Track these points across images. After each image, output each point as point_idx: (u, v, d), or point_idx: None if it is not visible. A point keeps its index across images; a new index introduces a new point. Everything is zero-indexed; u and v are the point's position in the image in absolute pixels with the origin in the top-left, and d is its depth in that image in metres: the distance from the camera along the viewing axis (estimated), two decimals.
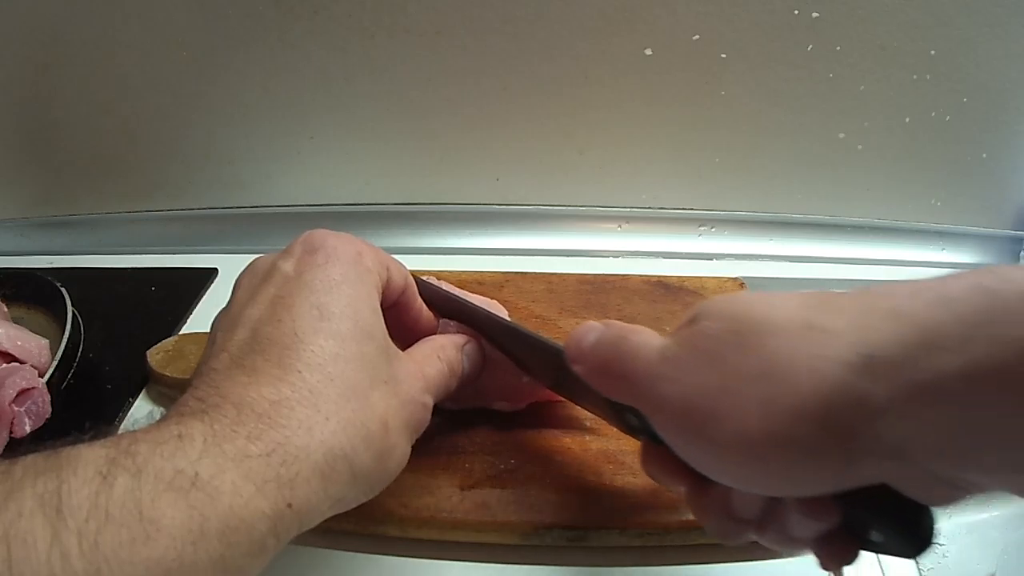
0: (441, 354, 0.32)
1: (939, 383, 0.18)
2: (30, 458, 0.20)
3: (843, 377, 0.20)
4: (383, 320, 0.28)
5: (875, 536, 0.23)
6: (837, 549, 0.24)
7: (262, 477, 0.21)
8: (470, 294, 0.39)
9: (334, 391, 0.24)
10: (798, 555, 0.27)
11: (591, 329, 0.28)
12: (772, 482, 0.22)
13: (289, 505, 0.22)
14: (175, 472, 0.20)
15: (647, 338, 0.26)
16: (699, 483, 0.26)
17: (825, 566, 0.25)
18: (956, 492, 0.21)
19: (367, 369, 0.26)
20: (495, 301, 0.40)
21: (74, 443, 0.21)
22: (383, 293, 0.30)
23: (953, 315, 0.19)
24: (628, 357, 0.25)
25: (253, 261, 0.30)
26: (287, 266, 0.28)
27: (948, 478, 0.20)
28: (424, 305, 0.34)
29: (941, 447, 0.19)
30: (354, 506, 0.26)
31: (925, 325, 0.19)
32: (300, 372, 0.24)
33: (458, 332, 0.35)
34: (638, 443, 0.36)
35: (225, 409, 0.22)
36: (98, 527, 0.18)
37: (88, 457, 0.20)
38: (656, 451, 0.27)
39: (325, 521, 0.34)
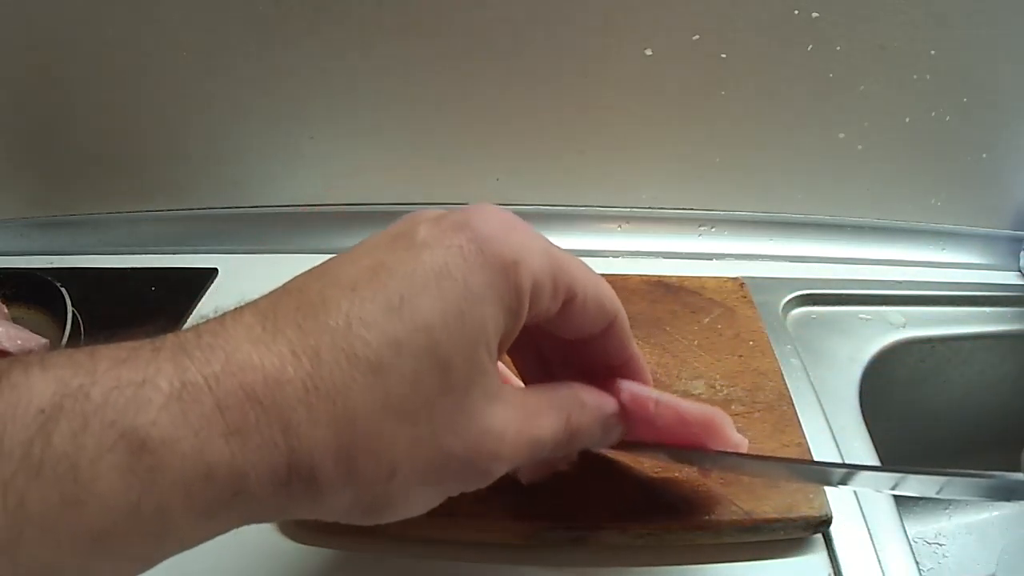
0: (573, 415, 0.25)
1: None
2: None
3: None
4: (494, 357, 0.22)
5: None
6: None
7: (218, 453, 0.18)
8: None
9: (342, 402, 0.19)
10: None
11: None
12: None
13: (235, 494, 0.18)
14: (122, 432, 0.17)
15: None
16: None
17: None
18: None
19: (407, 398, 0.20)
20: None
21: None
22: (554, 323, 0.24)
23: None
24: None
25: (417, 213, 0.24)
26: (424, 231, 0.22)
27: None
28: (638, 359, 0.28)
29: None
30: (331, 519, 0.22)
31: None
32: (319, 353, 0.19)
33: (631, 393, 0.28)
34: None
35: (211, 359, 0.19)
36: (27, 482, 0.16)
37: (36, 389, 0.17)
38: None
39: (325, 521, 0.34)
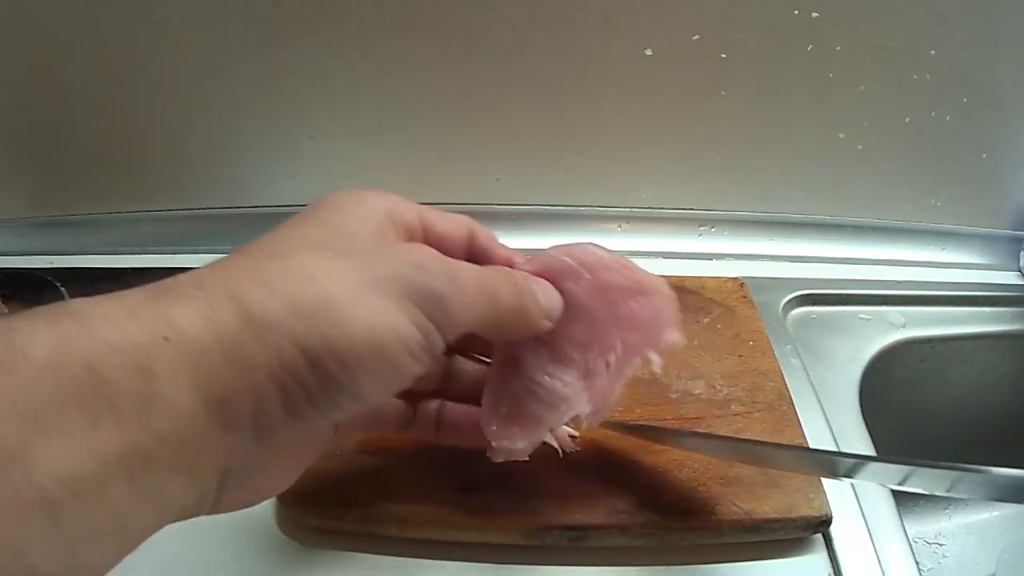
0: (506, 275, 0.27)
1: None
2: None
3: None
4: (378, 233, 0.25)
5: None
6: None
7: (141, 303, 0.20)
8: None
9: (249, 261, 0.23)
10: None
11: None
12: None
13: (167, 339, 0.19)
14: (53, 307, 0.19)
15: None
16: None
17: None
18: None
19: (304, 240, 0.24)
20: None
21: None
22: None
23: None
24: None
25: None
26: None
27: None
28: (516, 255, 0.30)
29: None
30: (321, 413, 0.22)
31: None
32: (226, 263, 0.23)
33: (527, 258, 0.30)
34: (637, 444, 0.36)
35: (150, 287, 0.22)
36: None
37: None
38: None
39: (325, 521, 0.35)
